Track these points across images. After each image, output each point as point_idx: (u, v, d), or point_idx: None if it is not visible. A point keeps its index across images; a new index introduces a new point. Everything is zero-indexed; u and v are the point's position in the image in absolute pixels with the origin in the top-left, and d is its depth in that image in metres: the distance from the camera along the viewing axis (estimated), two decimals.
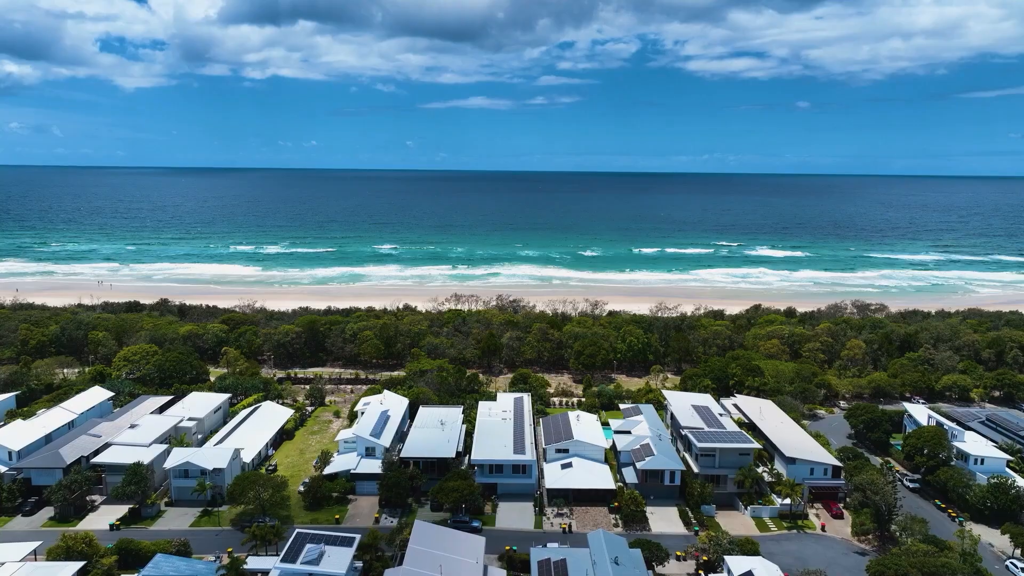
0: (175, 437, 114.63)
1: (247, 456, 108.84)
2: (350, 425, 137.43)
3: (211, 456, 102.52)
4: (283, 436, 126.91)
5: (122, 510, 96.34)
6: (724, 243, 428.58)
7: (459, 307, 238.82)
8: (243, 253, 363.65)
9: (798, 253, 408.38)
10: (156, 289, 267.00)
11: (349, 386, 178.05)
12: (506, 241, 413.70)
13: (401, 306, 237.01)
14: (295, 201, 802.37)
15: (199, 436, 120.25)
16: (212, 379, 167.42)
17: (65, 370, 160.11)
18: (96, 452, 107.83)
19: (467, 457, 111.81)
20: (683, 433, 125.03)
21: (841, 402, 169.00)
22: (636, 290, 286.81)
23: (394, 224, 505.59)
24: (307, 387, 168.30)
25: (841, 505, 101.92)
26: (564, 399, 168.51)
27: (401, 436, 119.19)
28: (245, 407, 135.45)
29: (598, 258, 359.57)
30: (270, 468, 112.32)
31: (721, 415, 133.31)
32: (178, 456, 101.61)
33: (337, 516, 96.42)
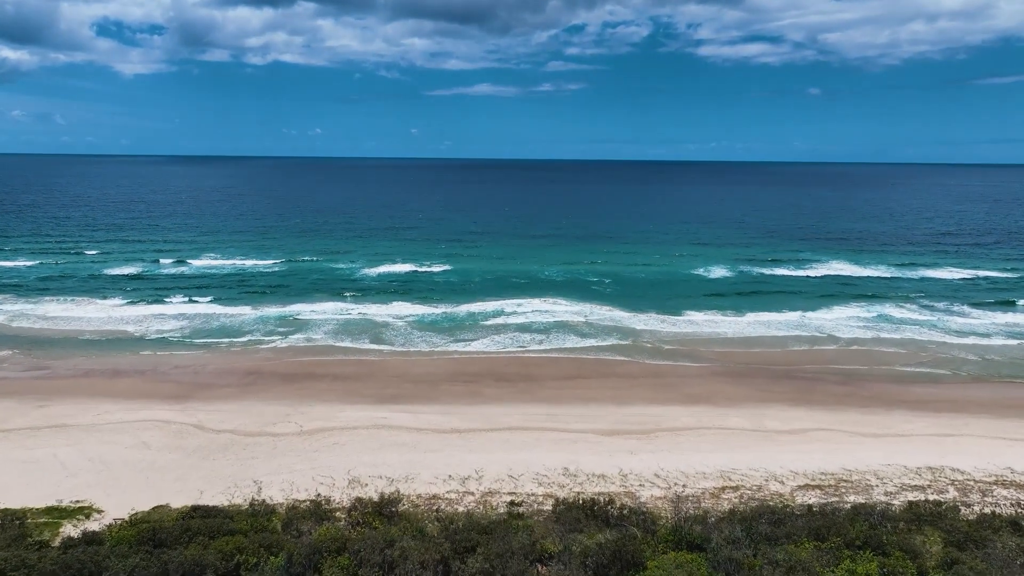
0: None
1: None
2: None
3: None
4: None
5: None
6: (810, 256, 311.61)
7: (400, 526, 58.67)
8: (130, 279, 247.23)
9: (941, 274, 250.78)
10: None
11: None
12: (515, 255, 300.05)
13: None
14: (264, 193, 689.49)
15: None
16: None
17: None
18: None
19: None
20: None
21: None
22: (752, 366, 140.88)
23: (372, 229, 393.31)
24: None
25: None
26: None
27: None
28: None
29: (652, 284, 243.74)
30: None
31: None
32: None
33: None
